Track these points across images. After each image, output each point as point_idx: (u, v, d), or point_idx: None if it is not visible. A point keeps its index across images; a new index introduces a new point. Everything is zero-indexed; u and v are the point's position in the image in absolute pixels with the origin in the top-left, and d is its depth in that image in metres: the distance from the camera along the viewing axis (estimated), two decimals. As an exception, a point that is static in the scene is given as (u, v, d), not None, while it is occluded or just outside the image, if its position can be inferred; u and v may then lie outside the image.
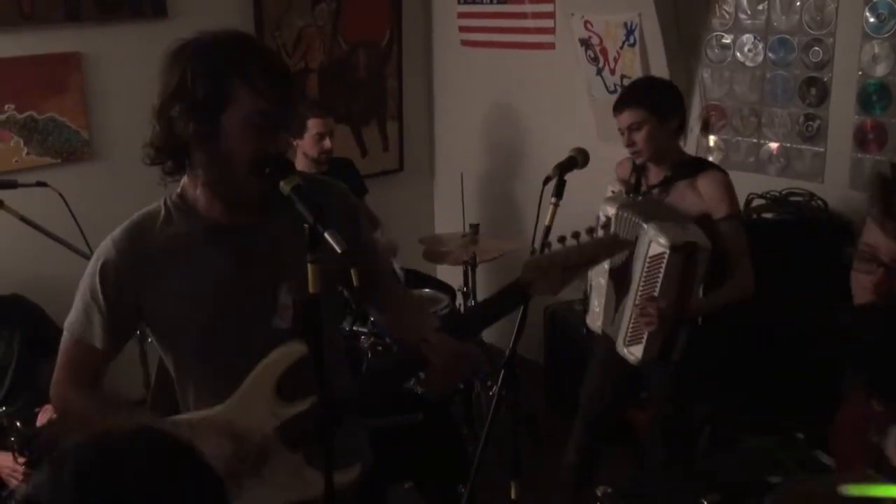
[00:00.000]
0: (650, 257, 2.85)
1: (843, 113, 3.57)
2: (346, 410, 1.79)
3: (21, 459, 3.28)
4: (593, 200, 3.93)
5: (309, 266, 1.50)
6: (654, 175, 3.12)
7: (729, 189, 3.00)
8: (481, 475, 2.12)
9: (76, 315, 1.84)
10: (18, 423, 3.25)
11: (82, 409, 1.84)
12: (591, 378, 3.34)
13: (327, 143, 4.05)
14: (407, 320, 2.06)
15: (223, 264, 1.77)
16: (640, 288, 2.90)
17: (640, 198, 3.10)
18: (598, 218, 3.06)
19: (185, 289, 1.77)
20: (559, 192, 2.68)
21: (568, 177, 2.67)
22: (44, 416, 3.54)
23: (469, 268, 3.89)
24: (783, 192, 3.66)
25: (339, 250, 1.46)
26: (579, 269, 1.88)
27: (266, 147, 1.67)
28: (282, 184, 1.58)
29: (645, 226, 2.86)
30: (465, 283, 3.92)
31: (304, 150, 4.04)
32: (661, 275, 2.83)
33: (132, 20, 4.14)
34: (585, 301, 3.32)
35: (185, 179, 1.81)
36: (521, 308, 1.99)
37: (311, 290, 1.51)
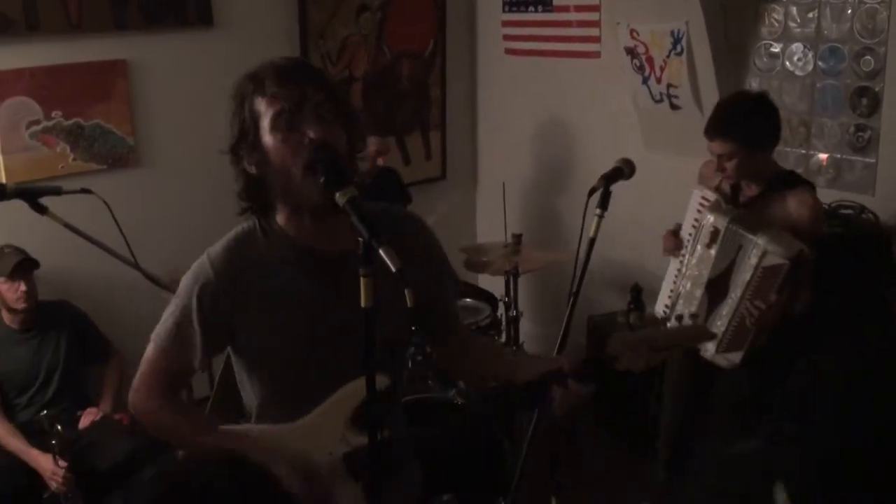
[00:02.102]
0: (764, 267, 2.85)
1: (895, 123, 3.48)
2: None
3: (62, 463, 3.32)
4: (639, 212, 3.90)
5: (362, 280, 1.49)
6: (748, 188, 3.12)
7: (815, 210, 3.02)
8: (522, 489, 2.10)
9: (167, 329, 1.84)
10: (59, 427, 3.28)
11: (161, 419, 1.88)
12: (673, 395, 3.38)
13: (381, 161, 4.17)
14: (491, 362, 2.07)
15: (315, 292, 1.81)
16: (749, 296, 2.90)
17: (741, 210, 3.08)
18: (696, 224, 3.09)
19: (277, 314, 1.79)
20: (604, 204, 2.65)
21: (613, 188, 2.63)
22: (86, 419, 3.58)
23: (511, 278, 3.85)
24: (832, 205, 3.58)
25: (393, 268, 1.44)
26: (665, 352, 1.88)
27: (302, 144, 1.68)
28: (337, 195, 1.56)
29: (753, 237, 2.87)
30: (507, 293, 3.89)
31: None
32: (775, 283, 2.86)
33: (178, 28, 4.17)
34: (628, 313, 3.29)
35: (277, 209, 1.84)
36: (565, 324, 1.97)
37: (363, 304, 1.49)
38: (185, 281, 1.83)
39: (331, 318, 1.79)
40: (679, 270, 3.15)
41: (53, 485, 3.35)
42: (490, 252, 4.02)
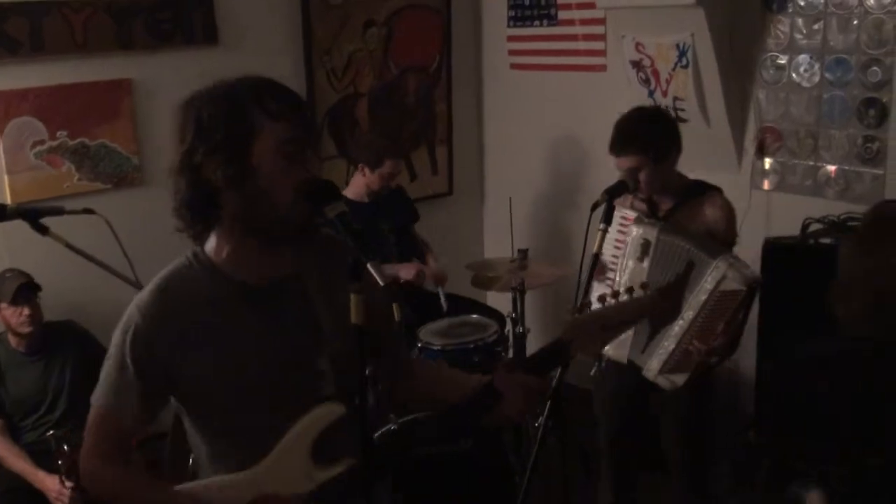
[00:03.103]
0: (722, 292, 2.83)
1: (904, 134, 3.46)
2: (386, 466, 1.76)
3: (69, 483, 3.31)
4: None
5: (352, 296, 1.47)
6: (661, 202, 3.18)
7: (729, 213, 3.14)
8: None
9: (104, 389, 1.76)
10: (66, 447, 3.27)
11: (112, 485, 1.78)
12: (608, 415, 3.36)
13: (393, 182, 4.26)
14: (442, 380, 2.01)
15: (257, 329, 1.72)
16: (701, 319, 2.88)
17: (664, 223, 3.10)
18: (620, 243, 3.11)
19: (218, 355, 1.70)
20: (608, 218, 2.64)
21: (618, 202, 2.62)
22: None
23: (518, 294, 3.83)
24: (841, 217, 3.54)
25: (381, 283, 1.43)
26: (619, 329, 1.85)
27: (301, 173, 1.64)
28: (327, 209, 1.55)
29: (713, 260, 2.86)
30: (514, 309, 3.86)
31: (369, 182, 4.21)
32: (730, 309, 2.85)
33: (184, 47, 4.18)
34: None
35: (211, 238, 1.75)
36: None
37: (353, 320, 1.47)
38: (116, 334, 1.74)
39: (275, 349, 1.71)
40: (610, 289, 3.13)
41: (59, 506, 3.34)
42: (497, 268, 4.00)
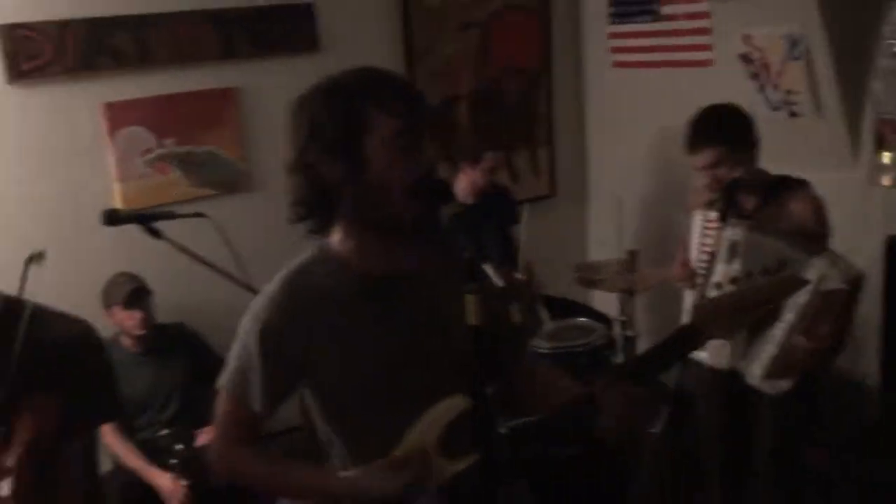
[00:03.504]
0: (824, 292, 2.71)
1: None
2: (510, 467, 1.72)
3: (182, 481, 3.38)
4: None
5: (467, 297, 1.43)
6: (746, 201, 3.03)
7: (818, 208, 2.99)
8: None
9: (233, 376, 1.77)
10: (179, 446, 3.34)
11: (250, 470, 1.80)
12: (712, 423, 3.20)
13: (496, 176, 4.23)
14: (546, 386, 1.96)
15: (377, 325, 1.72)
16: (803, 322, 2.76)
17: (751, 221, 2.97)
18: (707, 246, 3.01)
19: (346, 344, 1.71)
20: (724, 217, 2.53)
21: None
22: (203, 438, 3.63)
23: (627, 296, 3.74)
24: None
25: (499, 284, 1.39)
26: (752, 311, 1.75)
27: (415, 167, 1.63)
28: (444, 209, 1.53)
29: (810, 259, 2.74)
30: (623, 312, 3.77)
31: (474, 179, 4.16)
32: (833, 309, 2.72)
33: (286, 55, 4.24)
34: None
35: (336, 231, 1.76)
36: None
37: (470, 321, 1.44)
38: (246, 321, 1.76)
39: (400, 341, 1.72)
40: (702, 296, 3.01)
41: (173, 502, 3.40)
42: (603, 270, 3.92)
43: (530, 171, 5.21)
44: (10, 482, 1.73)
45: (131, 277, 3.69)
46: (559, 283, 4.31)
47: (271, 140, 4.22)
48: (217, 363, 4.03)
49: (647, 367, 1.84)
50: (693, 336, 1.74)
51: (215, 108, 4.12)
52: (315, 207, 1.70)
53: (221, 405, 1.81)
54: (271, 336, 1.71)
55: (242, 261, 2.50)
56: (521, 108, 5.09)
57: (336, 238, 1.76)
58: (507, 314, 1.49)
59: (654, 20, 4.71)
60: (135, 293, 3.62)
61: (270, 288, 1.75)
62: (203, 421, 3.76)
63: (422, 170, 1.64)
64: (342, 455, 1.80)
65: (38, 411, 1.80)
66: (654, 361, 1.84)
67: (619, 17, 4.94)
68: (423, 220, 1.63)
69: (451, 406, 1.67)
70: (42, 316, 1.92)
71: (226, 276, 2.35)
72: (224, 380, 1.79)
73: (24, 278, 1.82)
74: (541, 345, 3.72)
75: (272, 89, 4.19)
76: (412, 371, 1.72)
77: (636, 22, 4.82)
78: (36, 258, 1.82)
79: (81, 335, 1.92)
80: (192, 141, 4.09)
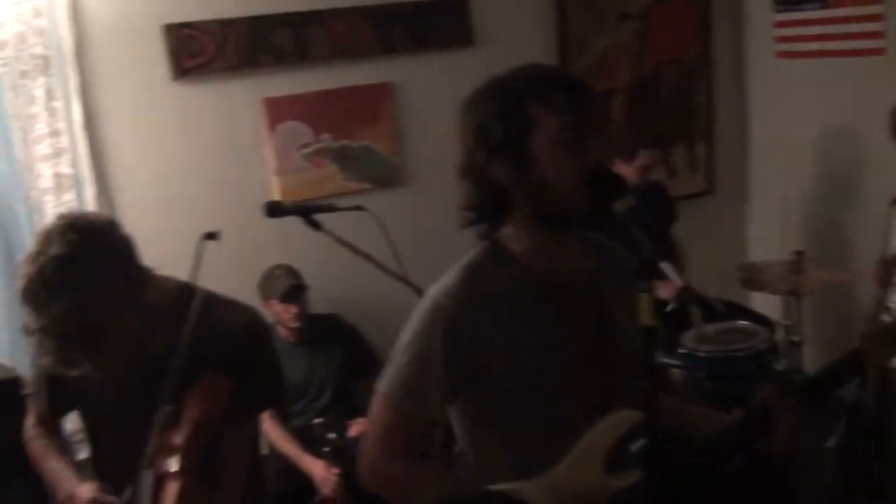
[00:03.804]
0: None
1: None
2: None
3: (335, 470, 3.43)
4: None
5: (642, 296, 1.37)
6: None
7: None
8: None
9: (397, 379, 1.70)
10: (332, 435, 3.39)
11: (396, 483, 1.72)
12: None
13: (651, 175, 4.09)
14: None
15: (553, 320, 1.67)
16: None
17: None
18: None
19: (515, 347, 1.66)
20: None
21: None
22: (355, 429, 3.67)
23: (792, 299, 3.53)
24: None
25: (678, 284, 1.32)
26: None
27: (583, 162, 1.58)
28: (616, 204, 1.47)
29: None
30: (788, 315, 3.57)
31: (627, 176, 4.00)
32: None
33: (441, 50, 4.24)
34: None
35: (507, 230, 1.72)
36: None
37: (642, 320, 1.37)
38: (419, 319, 1.69)
39: (571, 347, 1.67)
40: None
41: (325, 490, 3.46)
42: (768, 271, 3.72)
43: (687, 166, 5.02)
44: (177, 459, 1.78)
45: (289, 272, 3.76)
46: (717, 283, 4.13)
47: (424, 135, 4.24)
48: (369, 356, 4.12)
49: (809, 390, 1.73)
50: (857, 362, 1.65)
51: (371, 103, 4.16)
52: (486, 210, 1.68)
53: (383, 413, 1.72)
54: (450, 333, 1.65)
55: (399, 255, 2.48)
56: (678, 102, 4.92)
57: (507, 237, 1.72)
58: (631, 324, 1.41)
59: (822, 7, 4.45)
60: (292, 290, 3.70)
61: (448, 283, 1.70)
62: (355, 411, 3.82)
63: (590, 164, 1.59)
64: (479, 469, 1.74)
65: (207, 394, 1.85)
66: (816, 385, 1.73)
67: (784, 4, 4.70)
68: (595, 214, 1.59)
69: (623, 419, 1.63)
70: (213, 302, 1.97)
71: (386, 271, 2.34)
72: (386, 384, 1.72)
73: (198, 255, 1.86)
74: (698, 348, 3.55)
75: (426, 84, 4.20)
76: (582, 377, 1.67)
77: (802, 9, 4.57)
78: (211, 236, 1.87)
79: (250, 321, 1.97)
80: (348, 136, 4.14)
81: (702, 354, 3.50)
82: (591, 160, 1.59)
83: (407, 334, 1.71)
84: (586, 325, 1.69)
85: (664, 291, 3.61)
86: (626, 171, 4.02)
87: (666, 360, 3.41)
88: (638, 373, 1.50)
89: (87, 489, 1.91)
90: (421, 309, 1.71)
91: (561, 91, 1.61)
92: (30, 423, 2.17)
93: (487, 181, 1.64)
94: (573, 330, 1.68)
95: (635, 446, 2.00)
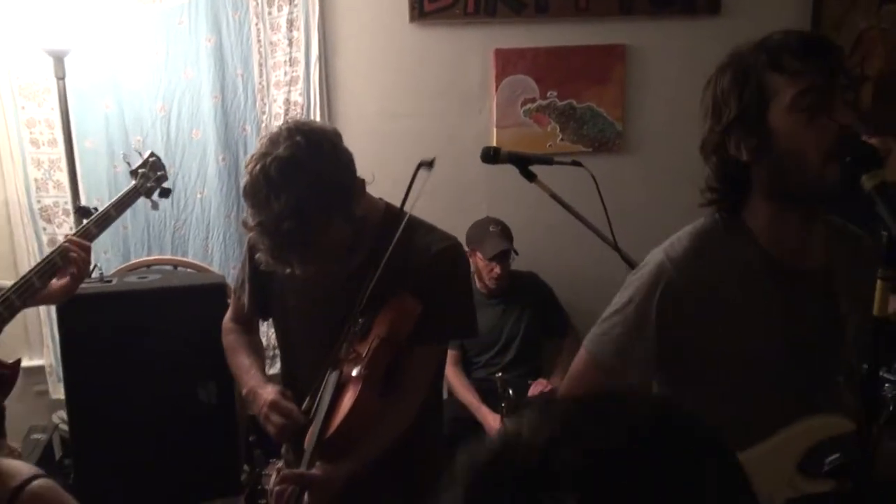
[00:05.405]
0: None
1: None
2: None
3: (510, 426, 3.43)
4: None
5: (878, 282, 1.25)
6: None
7: None
8: None
9: (609, 339, 1.66)
10: (511, 391, 3.39)
11: None
12: None
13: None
14: None
15: (779, 306, 1.59)
16: None
17: None
18: None
19: (736, 325, 1.59)
20: None
21: None
22: (535, 388, 3.66)
23: None
24: None
25: None
26: None
27: (827, 127, 1.46)
28: (864, 178, 1.35)
29: None
30: None
31: None
32: None
33: (683, 16, 4.08)
34: None
35: (748, 205, 1.63)
36: None
37: (876, 312, 1.26)
38: (640, 281, 1.63)
39: (791, 336, 1.58)
40: None
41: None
42: None
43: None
44: (359, 369, 1.83)
45: (503, 232, 3.75)
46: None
47: (653, 104, 4.11)
48: (561, 318, 4.08)
49: None
50: None
51: (602, 64, 4.08)
52: (725, 189, 1.62)
53: (588, 372, 1.70)
54: (672, 299, 1.60)
55: (611, 221, 2.42)
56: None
57: (747, 209, 1.63)
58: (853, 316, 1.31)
59: None
60: (503, 254, 3.70)
61: (671, 247, 1.64)
62: (538, 371, 3.81)
63: (836, 131, 1.46)
64: None
65: (398, 311, 1.88)
66: None
67: None
68: (844, 187, 1.45)
69: (831, 424, 1.55)
70: (418, 225, 2.00)
71: (594, 231, 2.28)
72: (595, 342, 1.69)
73: (413, 180, 1.88)
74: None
75: (663, 51, 4.06)
76: (795, 370, 1.58)
77: None
78: (428, 165, 1.88)
79: (450, 248, 1.98)
80: (574, 95, 4.08)
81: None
82: (836, 126, 1.47)
83: (626, 293, 1.66)
84: (812, 318, 1.60)
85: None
86: None
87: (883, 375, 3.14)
88: (856, 382, 1.39)
89: (270, 391, 1.98)
90: (643, 270, 1.65)
91: (796, 54, 1.49)
92: (227, 317, 2.29)
93: (727, 158, 1.57)
94: (798, 321, 1.59)
95: (830, 460, 1.90)
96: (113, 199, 2.60)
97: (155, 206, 2.77)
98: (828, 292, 1.61)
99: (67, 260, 2.33)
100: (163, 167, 2.78)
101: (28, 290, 2.26)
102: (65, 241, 2.36)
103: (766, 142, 1.52)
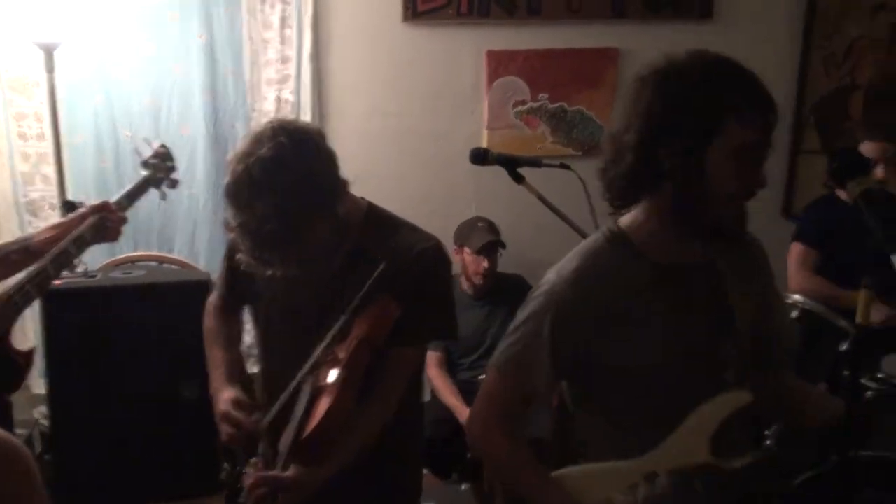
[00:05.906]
0: None
1: None
2: None
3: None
4: None
5: (862, 291, 1.27)
6: None
7: None
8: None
9: (510, 355, 1.73)
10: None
11: (498, 455, 1.78)
12: None
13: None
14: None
15: (665, 313, 1.64)
16: None
17: None
18: None
19: (629, 336, 1.64)
20: None
21: None
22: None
23: None
24: None
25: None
26: None
27: (754, 180, 1.56)
28: (850, 184, 1.38)
29: None
30: None
31: None
32: None
33: (676, 19, 4.08)
34: None
35: (631, 213, 1.68)
36: None
37: (858, 319, 1.28)
38: (535, 301, 1.69)
39: (679, 334, 1.64)
40: None
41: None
42: None
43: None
44: (338, 371, 1.81)
45: (490, 227, 3.77)
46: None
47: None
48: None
49: None
50: None
51: (594, 68, 4.08)
52: (632, 188, 1.63)
53: (490, 384, 1.78)
54: (563, 318, 1.65)
55: (598, 221, 2.42)
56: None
57: (632, 219, 1.69)
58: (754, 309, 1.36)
59: None
60: (490, 245, 3.70)
61: (564, 269, 1.69)
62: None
63: (759, 184, 1.57)
64: (601, 453, 1.74)
65: (379, 312, 1.87)
66: None
67: None
68: (738, 223, 1.60)
69: (732, 399, 1.62)
70: (399, 225, 2.00)
71: (583, 235, 2.28)
72: (498, 359, 1.76)
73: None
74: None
75: (656, 54, 4.05)
76: (691, 362, 1.64)
77: None
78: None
79: (433, 249, 1.97)
80: (565, 98, 4.09)
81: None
82: (757, 181, 1.57)
83: (524, 312, 1.71)
84: (699, 312, 1.66)
85: (877, 314, 3.24)
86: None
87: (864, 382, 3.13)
88: (761, 361, 1.50)
89: (225, 397, 1.97)
90: (539, 290, 1.70)
91: (758, 109, 1.55)
92: (210, 299, 2.27)
93: (651, 160, 1.57)
94: (683, 317, 1.64)
95: (771, 431, 2.00)
96: (124, 190, 2.63)
97: (163, 196, 2.82)
98: (713, 282, 1.67)
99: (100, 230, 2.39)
100: (172, 158, 2.82)
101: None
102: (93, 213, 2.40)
103: (695, 166, 1.55)
